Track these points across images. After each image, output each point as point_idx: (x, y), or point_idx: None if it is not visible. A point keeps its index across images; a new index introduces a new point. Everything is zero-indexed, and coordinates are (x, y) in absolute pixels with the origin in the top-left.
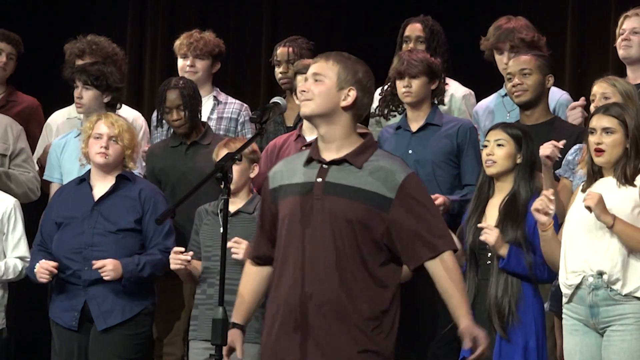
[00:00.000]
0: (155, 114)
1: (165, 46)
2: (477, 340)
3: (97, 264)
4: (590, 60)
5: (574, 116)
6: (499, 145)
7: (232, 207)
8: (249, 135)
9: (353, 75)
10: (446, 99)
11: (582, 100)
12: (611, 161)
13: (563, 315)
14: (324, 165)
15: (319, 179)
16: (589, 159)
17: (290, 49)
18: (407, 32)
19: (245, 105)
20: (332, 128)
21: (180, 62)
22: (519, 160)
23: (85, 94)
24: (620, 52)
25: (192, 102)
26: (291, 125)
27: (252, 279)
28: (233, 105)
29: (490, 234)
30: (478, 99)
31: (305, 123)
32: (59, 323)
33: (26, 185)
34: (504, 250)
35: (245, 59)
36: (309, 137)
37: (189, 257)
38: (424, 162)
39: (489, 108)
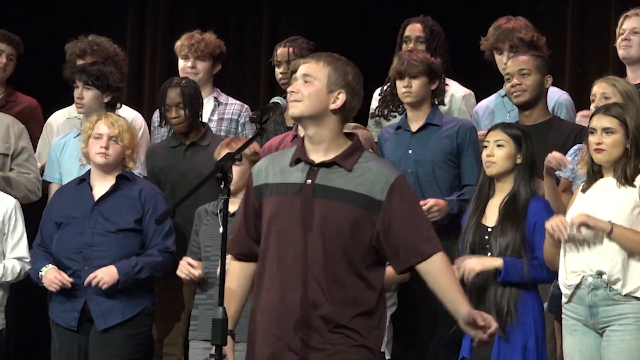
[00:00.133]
0: (157, 113)
1: (165, 46)
2: (487, 319)
3: (92, 281)
4: (590, 60)
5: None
6: (498, 145)
7: (232, 208)
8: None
9: (343, 77)
10: (446, 100)
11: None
12: (611, 160)
13: (562, 315)
14: (313, 167)
15: (309, 181)
16: (589, 159)
17: (291, 49)
18: (407, 33)
19: (245, 106)
20: (320, 130)
21: (181, 63)
22: (518, 161)
23: (86, 94)
24: (620, 52)
25: (192, 102)
26: (291, 125)
27: (236, 278)
28: (233, 106)
29: (472, 267)
30: (478, 99)
31: None
32: (59, 323)
33: (26, 188)
34: (498, 263)
35: (245, 59)
36: None
37: (196, 274)
38: (424, 162)
39: (489, 108)
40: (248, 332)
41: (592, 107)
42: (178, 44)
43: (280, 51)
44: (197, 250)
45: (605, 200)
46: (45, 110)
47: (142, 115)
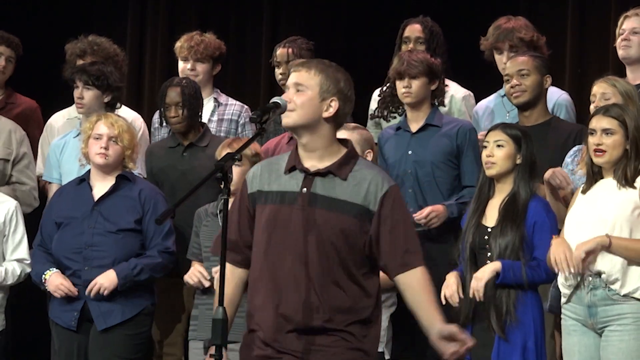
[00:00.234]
0: (157, 114)
1: (165, 46)
2: (462, 336)
3: (93, 288)
4: (590, 60)
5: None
6: (498, 146)
7: None
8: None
9: (335, 84)
10: (446, 101)
11: None
12: (611, 161)
13: (562, 315)
14: (308, 175)
15: (304, 189)
16: (589, 160)
17: (290, 50)
18: (406, 33)
19: (245, 106)
20: (314, 138)
21: (181, 65)
22: (518, 161)
23: (86, 94)
24: (620, 52)
25: (192, 102)
26: None
27: (229, 284)
28: (233, 107)
29: (477, 288)
30: (478, 99)
31: None
32: (59, 323)
33: (23, 203)
34: (496, 266)
35: (245, 60)
36: None
37: (206, 285)
38: (424, 162)
39: (489, 108)
40: (242, 337)
41: (592, 107)
42: (178, 45)
43: (280, 52)
44: (198, 252)
45: (605, 202)
46: (45, 110)
47: (142, 116)
